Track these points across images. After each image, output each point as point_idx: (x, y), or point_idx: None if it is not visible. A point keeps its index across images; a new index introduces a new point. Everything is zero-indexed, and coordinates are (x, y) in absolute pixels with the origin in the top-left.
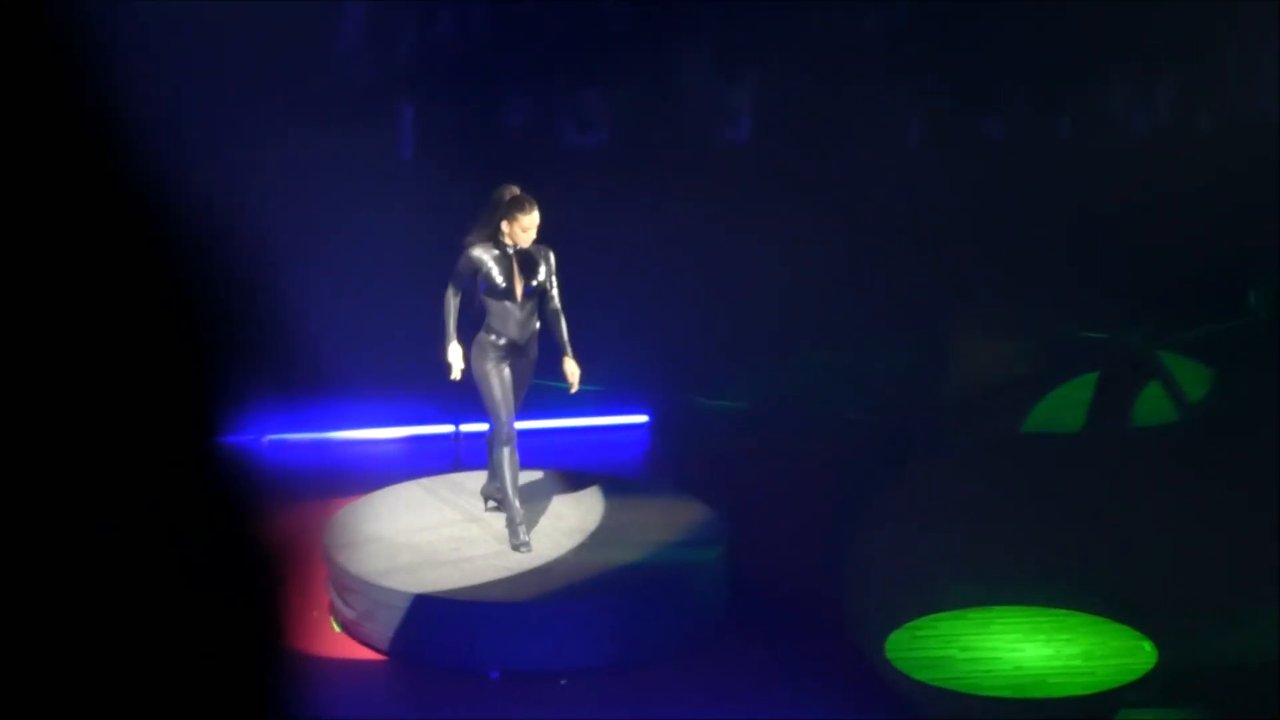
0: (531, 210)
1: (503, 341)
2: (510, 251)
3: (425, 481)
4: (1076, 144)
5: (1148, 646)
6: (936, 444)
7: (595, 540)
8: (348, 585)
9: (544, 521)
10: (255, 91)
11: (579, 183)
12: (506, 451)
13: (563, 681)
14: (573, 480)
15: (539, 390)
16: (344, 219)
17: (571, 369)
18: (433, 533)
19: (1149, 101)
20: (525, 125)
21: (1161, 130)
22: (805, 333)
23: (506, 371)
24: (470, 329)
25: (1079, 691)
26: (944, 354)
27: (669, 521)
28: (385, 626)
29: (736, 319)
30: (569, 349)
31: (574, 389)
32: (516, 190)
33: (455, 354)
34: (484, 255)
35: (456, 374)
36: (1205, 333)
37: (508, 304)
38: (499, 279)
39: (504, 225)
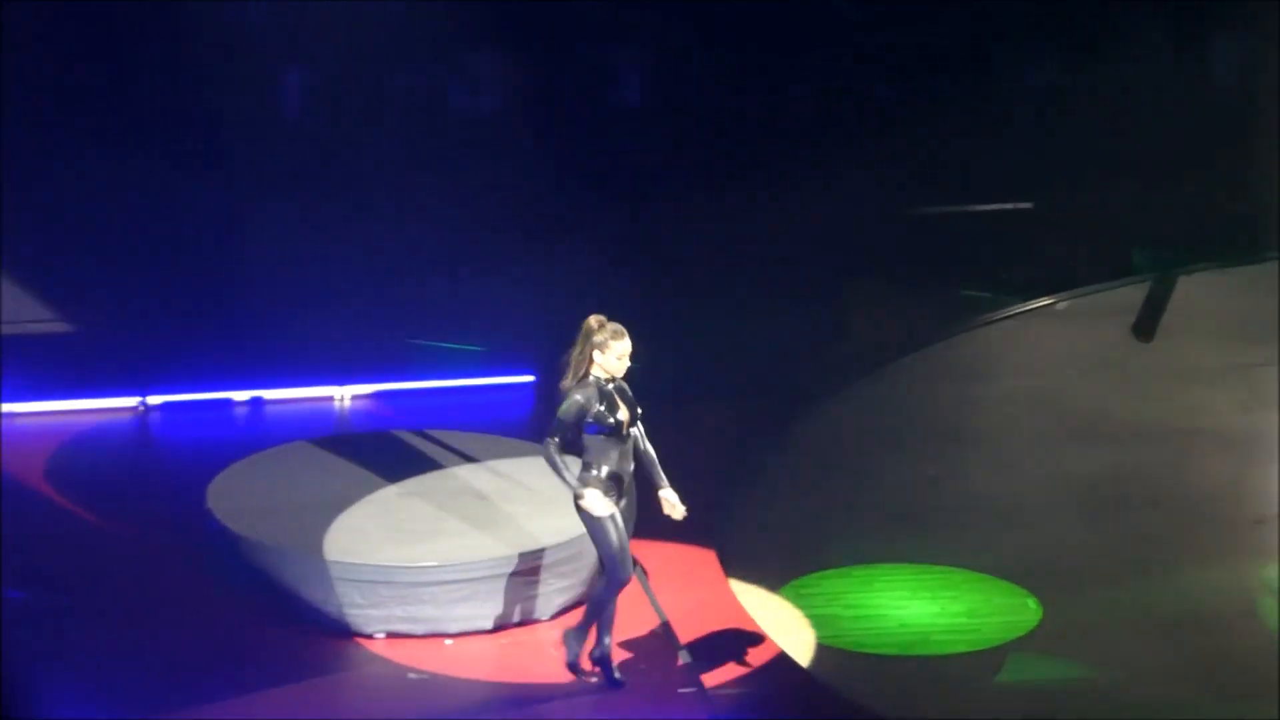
0: (624, 337)
1: (611, 481)
2: (610, 387)
3: (310, 443)
4: (968, 105)
5: (1032, 603)
6: (818, 406)
7: (482, 500)
8: (231, 547)
9: (431, 482)
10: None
11: (470, 145)
12: (608, 591)
13: (448, 641)
14: (458, 441)
15: (420, 351)
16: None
17: (672, 498)
18: (319, 495)
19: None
20: (415, 89)
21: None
22: (697, 295)
23: (619, 518)
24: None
25: (965, 648)
26: (828, 318)
27: (556, 483)
28: (270, 588)
29: (622, 280)
30: (664, 480)
31: (678, 515)
32: (603, 319)
33: (598, 496)
34: (589, 396)
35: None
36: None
37: (615, 440)
38: (609, 417)
39: (597, 357)
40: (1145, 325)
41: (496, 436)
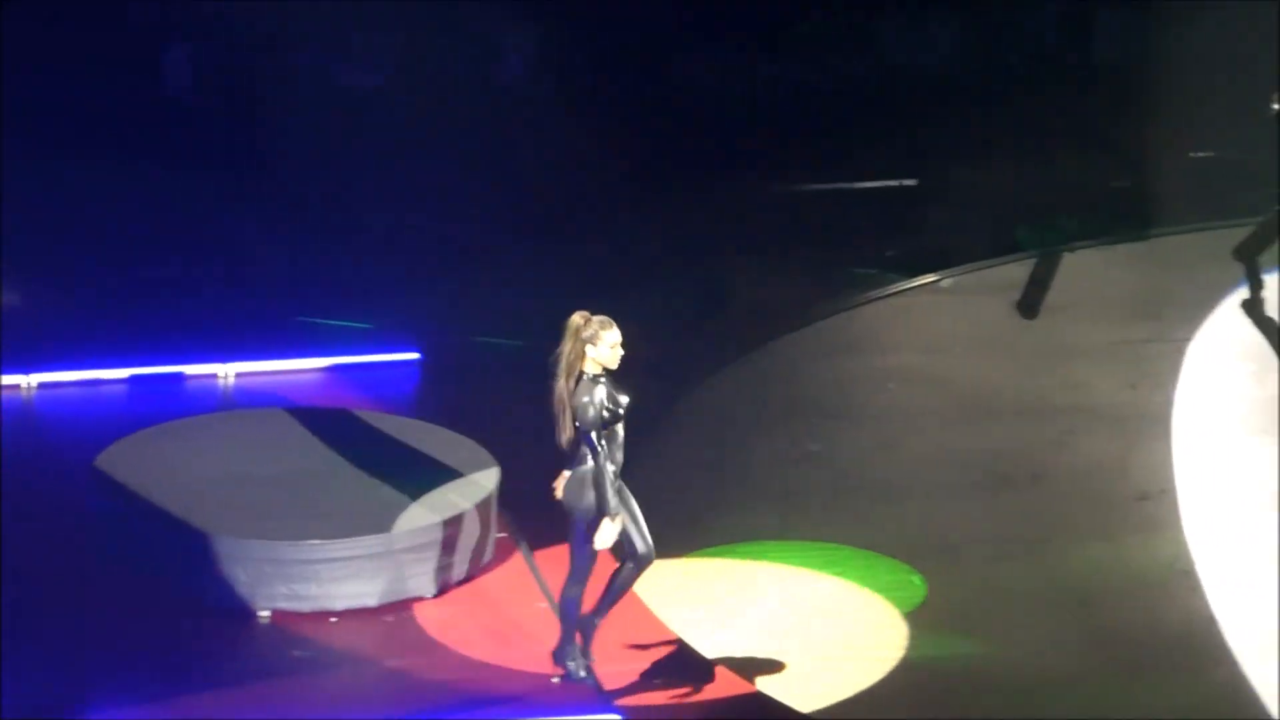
0: (613, 327)
1: (614, 469)
2: (603, 379)
3: (194, 420)
4: (852, 82)
5: (917, 580)
6: (704, 384)
7: (366, 478)
8: (114, 524)
9: (316, 460)
10: None
11: (353, 121)
12: (638, 573)
13: (333, 619)
14: (344, 418)
15: (307, 328)
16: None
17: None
18: (203, 472)
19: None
20: (302, 65)
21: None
22: (581, 272)
23: (626, 495)
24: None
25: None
26: (713, 296)
27: (440, 459)
28: (154, 566)
29: (509, 260)
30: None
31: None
32: (587, 314)
33: (613, 532)
34: (601, 394)
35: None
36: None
37: (615, 429)
38: (617, 409)
39: (590, 352)
40: (1030, 302)
41: (382, 414)
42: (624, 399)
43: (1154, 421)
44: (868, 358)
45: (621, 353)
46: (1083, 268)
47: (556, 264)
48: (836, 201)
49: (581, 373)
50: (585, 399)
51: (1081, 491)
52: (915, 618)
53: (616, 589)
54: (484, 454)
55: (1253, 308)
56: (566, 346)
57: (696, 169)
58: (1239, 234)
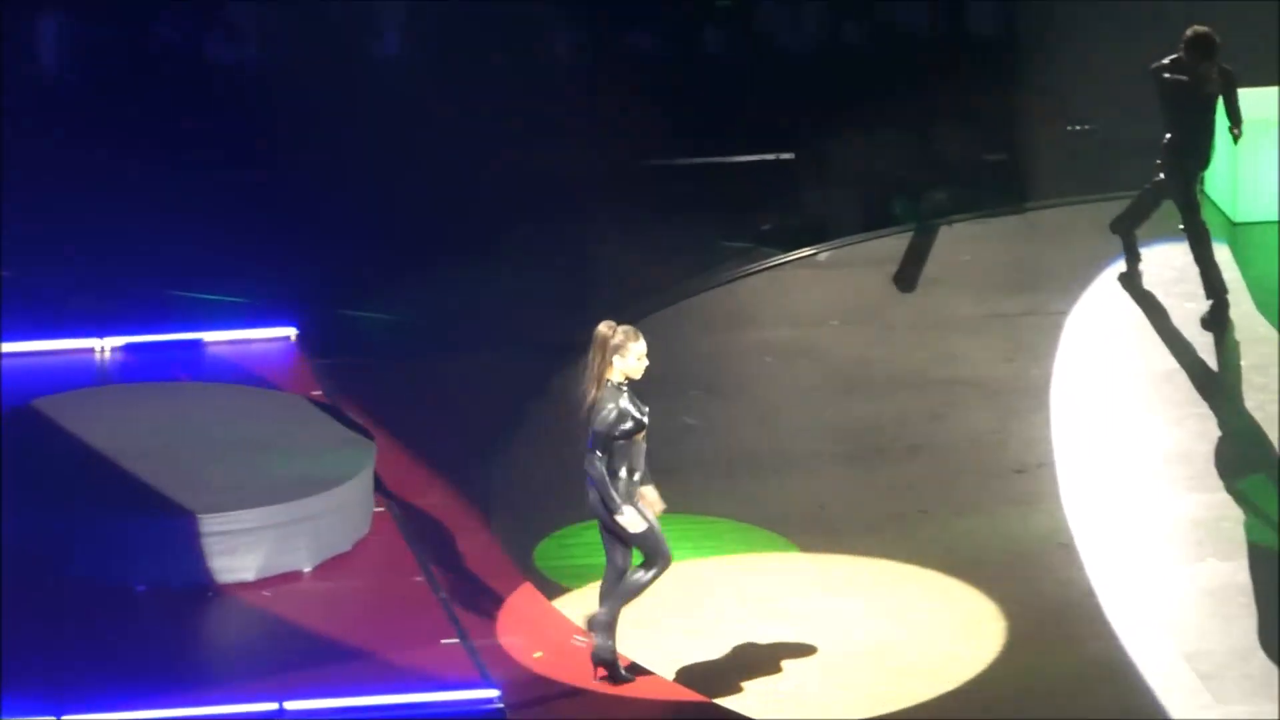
0: (640, 338)
1: (636, 478)
2: (626, 388)
3: (70, 395)
4: (727, 57)
5: (795, 552)
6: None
7: (243, 452)
8: None
9: (192, 434)
10: None
11: (227, 97)
12: (658, 578)
13: (210, 594)
14: (220, 393)
15: (181, 301)
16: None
17: (651, 495)
18: (81, 447)
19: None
20: (172, 41)
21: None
22: (457, 248)
23: (642, 506)
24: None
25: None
26: (589, 271)
27: (317, 433)
28: (32, 542)
29: (386, 232)
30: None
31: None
32: (613, 324)
33: (633, 514)
34: (624, 404)
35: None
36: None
37: (637, 440)
38: (639, 418)
39: (617, 362)
40: (907, 275)
41: (258, 388)
42: (645, 408)
43: (1031, 395)
44: (744, 332)
45: (647, 363)
46: (959, 241)
47: (429, 239)
48: (712, 176)
49: (606, 380)
50: (610, 406)
51: (959, 464)
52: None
53: (629, 590)
54: (360, 428)
55: (1130, 280)
56: (595, 356)
57: (570, 143)
58: (1116, 207)
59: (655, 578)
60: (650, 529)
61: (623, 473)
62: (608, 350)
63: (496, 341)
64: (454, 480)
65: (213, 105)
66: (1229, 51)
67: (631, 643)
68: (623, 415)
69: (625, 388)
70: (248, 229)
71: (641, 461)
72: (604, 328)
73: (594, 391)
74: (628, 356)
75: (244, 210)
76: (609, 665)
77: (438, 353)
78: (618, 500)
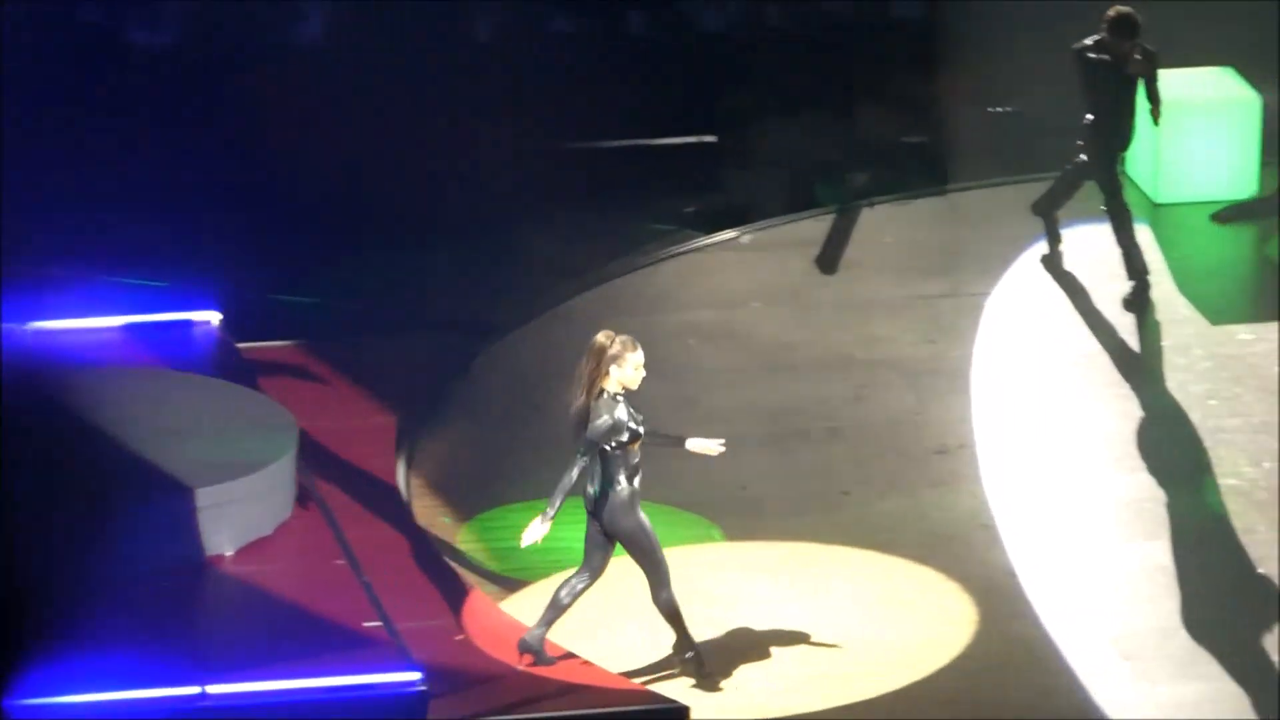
0: (637, 348)
1: (635, 483)
2: (622, 398)
3: None
4: (649, 40)
5: (717, 534)
6: (502, 341)
7: (163, 437)
8: None
9: (112, 419)
10: None
11: (148, 82)
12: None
13: (131, 579)
14: (143, 378)
15: (101, 286)
16: None
17: (699, 445)
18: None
19: None
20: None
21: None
22: (380, 231)
23: (644, 521)
24: None
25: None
26: (512, 254)
27: (240, 417)
28: None
29: (308, 216)
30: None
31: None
32: (611, 334)
33: (542, 530)
34: (620, 415)
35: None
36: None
37: (634, 449)
38: (637, 428)
39: (614, 372)
40: (829, 258)
41: (181, 372)
42: (641, 417)
43: (952, 376)
44: (667, 314)
45: (644, 374)
46: (881, 223)
47: (352, 222)
48: (635, 159)
49: (601, 390)
50: (605, 416)
51: (880, 446)
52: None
53: (561, 602)
54: (283, 411)
55: (1051, 262)
56: (589, 365)
57: (492, 125)
58: (1038, 188)
59: (582, 591)
60: (653, 539)
61: (621, 478)
62: (604, 360)
63: (421, 324)
64: (377, 463)
65: (133, 88)
66: (1149, 32)
67: (566, 632)
68: (617, 427)
69: (621, 398)
70: (168, 211)
71: (638, 475)
72: (602, 337)
73: (583, 398)
74: (625, 366)
75: (168, 194)
76: (536, 653)
77: (361, 335)
78: (555, 507)
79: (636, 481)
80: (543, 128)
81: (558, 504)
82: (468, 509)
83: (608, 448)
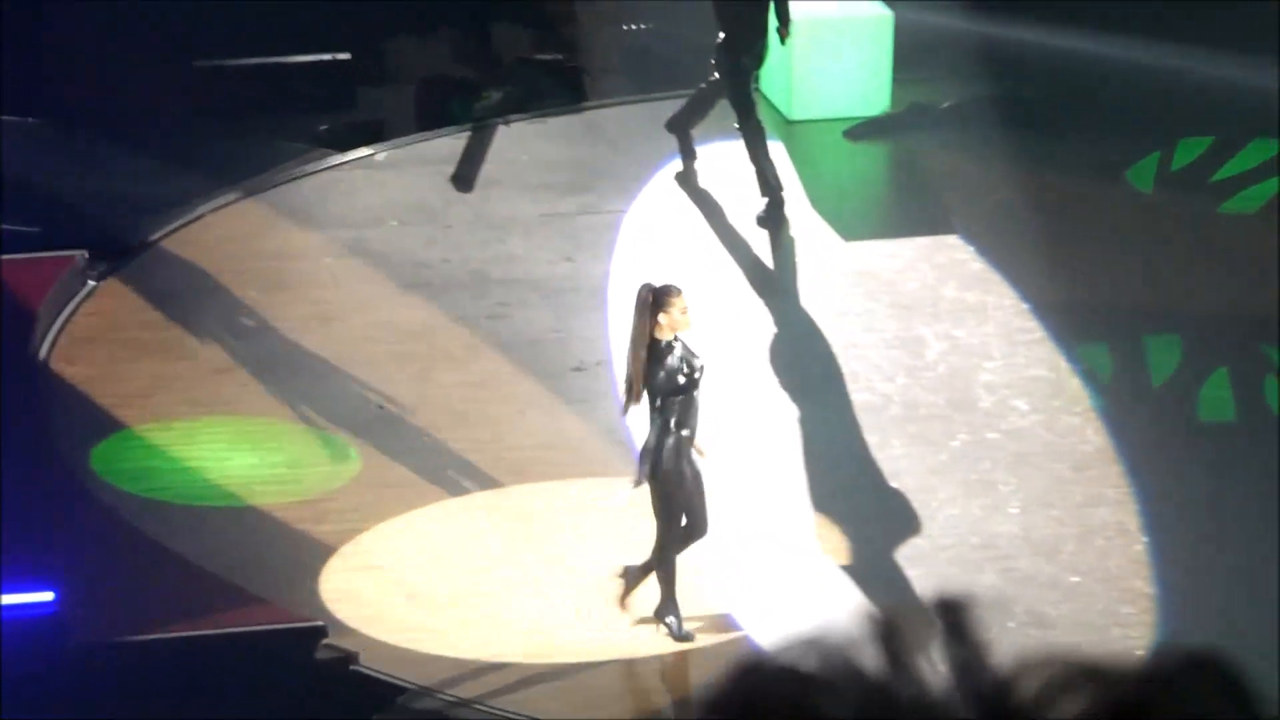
0: (681, 293)
1: (684, 433)
2: (676, 344)
3: None
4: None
5: (353, 453)
6: (144, 261)
7: None
8: None
9: None
10: None
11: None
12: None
13: None
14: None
15: None
16: None
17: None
18: None
19: None
20: None
21: None
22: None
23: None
24: None
25: (287, 499)
26: (144, 170)
27: None
28: None
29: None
30: None
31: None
32: (653, 285)
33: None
34: (670, 363)
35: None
36: None
37: (693, 395)
38: (695, 373)
39: (663, 320)
40: (464, 175)
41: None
42: (698, 362)
43: (590, 294)
44: (302, 234)
45: (691, 316)
46: (516, 141)
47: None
48: (266, 76)
49: (655, 340)
50: (667, 364)
51: (518, 364)
52: (351, 489)
53: (662, 568)
54: None
55: (686, 179)
56: (638, 320)
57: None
58: (672, 106)
59: (679, 549)
60: (696, 496)
61: (686, 432)
62: (648, 310)
63: (56, 247)
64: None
65: None
66: None
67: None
68: (670, 375)
69: (675, 344)
70: (42, 155)
71: (693, 417)
72: (643, 290)
73: (638, 353)
74: (672, 311)
75: (35, 137)
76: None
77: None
78: (640, 473)
79: (685, 431)
80: (170, 44)
81: (644, 470)
82: (101, 431)
83: (676, 395)
